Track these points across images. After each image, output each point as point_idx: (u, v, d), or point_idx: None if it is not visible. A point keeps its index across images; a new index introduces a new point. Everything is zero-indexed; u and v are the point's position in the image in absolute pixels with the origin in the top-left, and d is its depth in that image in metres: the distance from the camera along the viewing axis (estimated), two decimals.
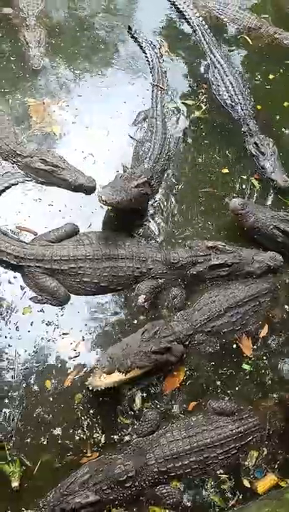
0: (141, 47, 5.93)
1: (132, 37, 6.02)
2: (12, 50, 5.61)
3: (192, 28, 6.20)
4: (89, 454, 3.79)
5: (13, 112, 5.21)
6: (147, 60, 5.80)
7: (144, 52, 5.87)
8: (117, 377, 3.84)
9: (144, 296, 4.35)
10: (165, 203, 4.93)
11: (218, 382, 4.14)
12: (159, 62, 5.79)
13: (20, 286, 4.34)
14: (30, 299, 4.29)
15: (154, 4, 6.47)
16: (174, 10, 6.42)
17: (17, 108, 5.25)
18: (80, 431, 3.86)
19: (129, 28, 6.06)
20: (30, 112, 5.22)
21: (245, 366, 4.22)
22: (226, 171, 5.17)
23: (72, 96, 5.40)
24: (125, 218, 4.67)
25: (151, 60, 5.78)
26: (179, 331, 4.13)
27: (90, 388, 3.84)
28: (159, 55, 5.87)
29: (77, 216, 4.71)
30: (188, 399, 4.06)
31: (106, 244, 4.41)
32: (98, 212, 4.74)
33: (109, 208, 4.62)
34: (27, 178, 4.88)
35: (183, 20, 6.32)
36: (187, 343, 4.15)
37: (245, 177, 5.16)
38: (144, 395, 4.00)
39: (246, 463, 3.81)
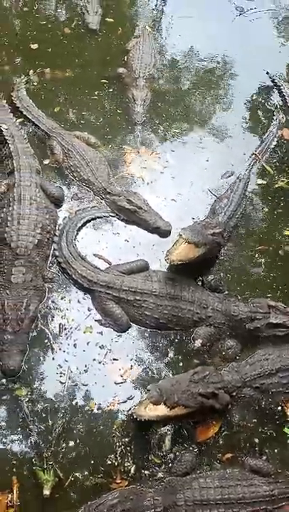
0: (272, 121, 6.43)
1: (273, 114, 6.52)
2: (120, 104, 6.34)
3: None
4: (118, 481, 3.85)
5: (111, 156, 5.82)
6: (266, 134, 6.26)
7: (270, 126, 6.35)
8: (161, 411, 3.94)
9: (201, 341, 4.50)
10: (232, 257, 5.17)
11: (257, 440, 4.12)
12: (272, 140, 6.25)
13: (88, 307, 4.67)
14: (95, 320, 4.59)
15: (249, 78, 7.01)
16: (269, 84, 6.94)
17: (115, 153, 5.86)
18: (112, 456, 3.97)
19: (276, 109, 6.63)
20: (125, 158, 5.81)
21: (287, 430, 4.18)
22: (287, 233, 5.42)
23: (166, 150, 5.93)
24: (193, 265, 4.91)
25: (268, 136, 6.25)
26: (228, 380, 4.21)
27: (134, 417, 3.97)
28: (278, 135, 6.32)
29: (149, 254, 5.05)
30: (224, 450, 4.06)
31: (172, 285, 4.67)
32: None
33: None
34: (111, 214, 5.35)
35: (272, 94, 6.82)
36: (234, 394, 4.20)
37: None
38: (175, 437, 4.04)
39: None
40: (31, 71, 6.39)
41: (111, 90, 6.48)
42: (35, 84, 6.33)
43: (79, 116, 6.12)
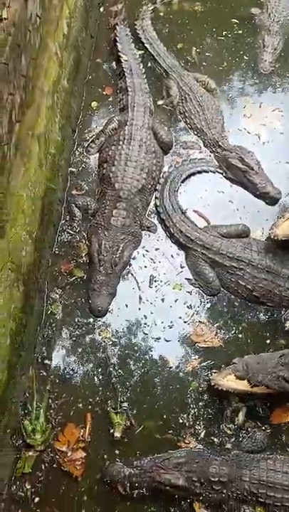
0: None
1: None
2: (248, 49, 5.75)
3: None
4: (187, 441, 3.89)
5: (228, 107, 5.39)
6: None
7: None
8: (241, 385, 3.86)
9: None
10: None
11: None
12: None
13: (181, 264, 4.55)
14: (186, 278, 4.48)
15: None
16: None
17: (234, 103, 5.42)
18: (184, 416, 3.99)
19: None
20: (244, 111, 5.35)
21: None
22: None
23: None
24: None
25: None
26: None
27: (212, 383, 3.92)
28: None
29: (251, 220, 4.76)
30: None
31: (272, 258, 4.40)
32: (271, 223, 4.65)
33: None
34: (219, 170, 5.04)
35: None
36: None
37: None
38: (249, 413, 3.96)
39: None
40: (159, 0, 5.92)
41: (240, 32, 5.86)
42: (161, 14, 5.86)
43: (202, 57, 5.64)
